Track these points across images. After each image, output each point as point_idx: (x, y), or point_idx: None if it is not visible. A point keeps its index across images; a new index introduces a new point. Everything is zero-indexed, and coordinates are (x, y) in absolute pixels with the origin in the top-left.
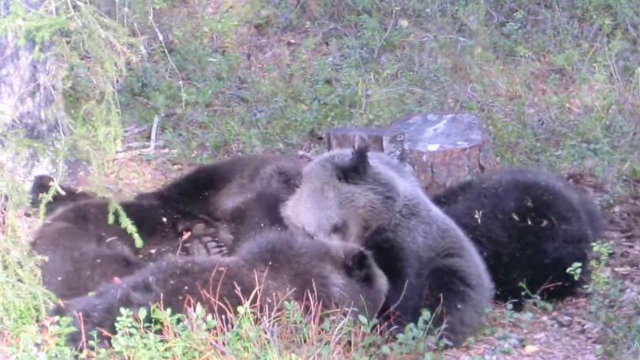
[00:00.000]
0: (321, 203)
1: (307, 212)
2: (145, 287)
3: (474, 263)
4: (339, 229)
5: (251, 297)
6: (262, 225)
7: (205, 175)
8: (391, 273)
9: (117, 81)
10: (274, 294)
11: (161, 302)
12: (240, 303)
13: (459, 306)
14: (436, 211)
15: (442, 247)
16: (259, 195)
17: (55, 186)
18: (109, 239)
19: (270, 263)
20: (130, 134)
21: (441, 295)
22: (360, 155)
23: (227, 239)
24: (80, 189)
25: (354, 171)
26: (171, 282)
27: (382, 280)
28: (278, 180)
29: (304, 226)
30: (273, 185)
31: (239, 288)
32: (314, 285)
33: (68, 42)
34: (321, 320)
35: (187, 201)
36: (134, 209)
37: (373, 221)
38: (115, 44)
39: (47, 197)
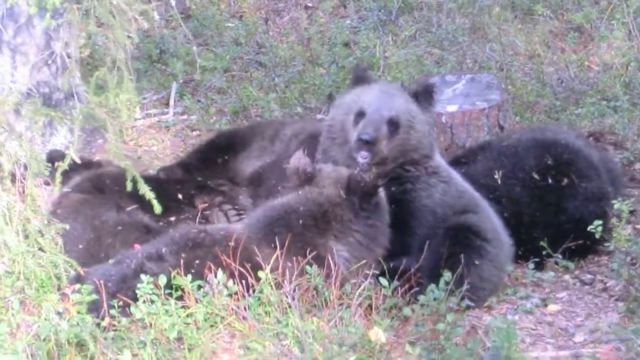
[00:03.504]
0: (388, 98)
1: (373, 97)
2: (159, 257)
3: (489, 219)
4: (392, 125)
5: (271, 263)
6: (280, 188)
7: (225, 140)
8: (401, 227)
9: (132, 48)
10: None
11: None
12: (256, 273)
13: (476, 262)
14: (455, 173)
15: (459, 205)
16: (278, 158)
17: (71, 155)
18: (129, 207)
19: (277, 238)
20: (148, 100)
21: (458, 251)
22: (430, 88)
23: (246, 203)
24: (97, 157)
25: (424, 97)
26: (184, 253)
27: (384, 203)
28: (297, 142)
29: (362, 105)
30: (292, 147)
31: (254, 260)
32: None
33: (80, 10)
34: (342, 284)
35: (207, 166)
36: (152, 180)
37: (411, 153)
38: (126, 11)
39: (62, 166)
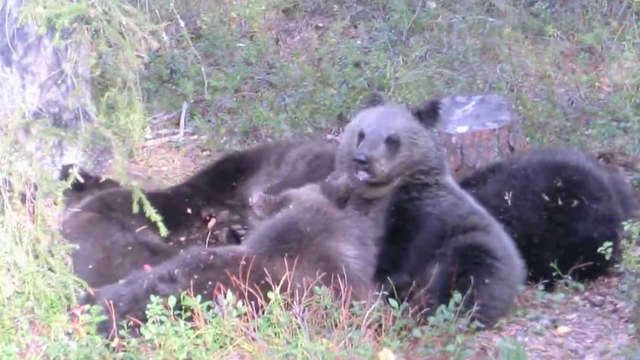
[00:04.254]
0: (390, 117)
1: (372, 118)
2: (170, 278)
3: (500, 238)
4: (392, 143)
5: (281, 283)
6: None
7: (233, 165)
8: (402, 234)
9: (143, 68)
10: (298, 283)
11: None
12: (265, 294)
13: (487, 280)
14: (466, 194)
15: (469, 224)
16: (284, 180)
17: (75, 174)
18: (139, 228)
19: (286, 254)
20: (159, 120)
21: (468, 271)
22: (435, 106)
23: (254, 225)
24: (104, 177)
25: (427, 115)
26: (196, 275)
27: None
28: (304, 163)
29: (363, 128)
30: (298, 168)
31: (263, 281)
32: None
33: (90, 30)
34: (351, 304)
35: (215, 192)
36: (161, 199)
37: (418, 165)
38: (136, 31)
39: (66, 184)
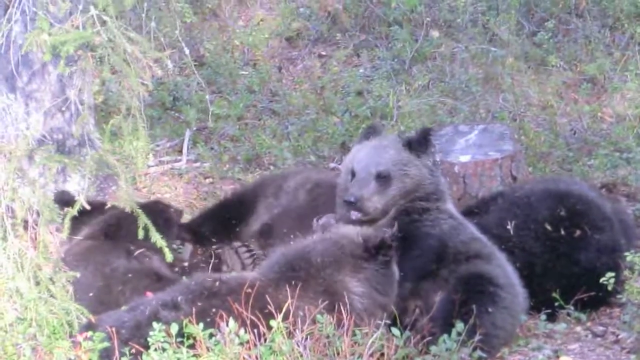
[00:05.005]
0: (379, 152)
1: (363, 155)
2: (174, 305)
3: (502, 267)
4: (382, 178)
5: (283, 312)
6: (291, 237)
7: (232, 209)
8: (400, 255)
9: (147, 95)
10: (301, 312)
11: (188, 320)
12: (269, 321)
13: (489, 309)
14: (467, 222)
15: (471, 251)
16: (285, 209)
17: (81, 201)
18: (138, 251)
19: (292, 282)
20: (162, 148)
21: (471, 299)
22: (426, 134)
23: (258, 250)
24: (109, 204)
25: (418, 144)
26: (199, 302)
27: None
28: (304, 191)
29: (354, 165)
30: (299, 197)
31: (267, 309)
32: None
33: (95, 57)
34: (353, 333)
35: (217, 237)
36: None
37: (413, 193)
38: (141, 59)
39: (72, 211)
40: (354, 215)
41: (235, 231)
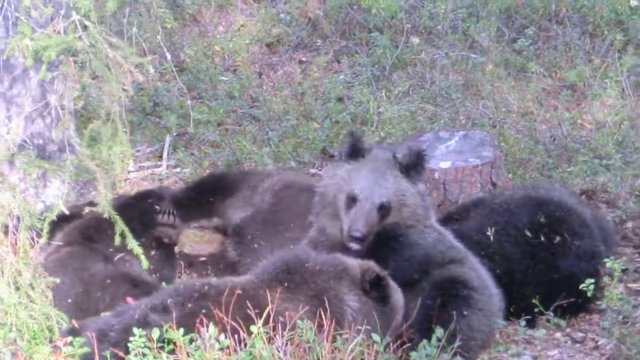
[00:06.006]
0: (380, 181)
1: (364, 180)
2: (163, 309)
3: (475, 269)
4: (383, 209)
5: (263, 317)
6: (257, 246)
7: (214, 183)
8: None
9: (127, 100)
10: (288, 314)
11: (176, 323)
12: (255, 324)
13: (465, 312)
14: (446, 232)
15: (447, 256)
16: (255, 211)
17: (60, 206)
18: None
19: (285, 284)
20: (142, 153)
21: (446, 303)
22: (420, 157)
23: (233, 259)
24: (88, 209)
25: (413, 169)
26: (189, 304)
27: (397, 297)
28: (271, 194)
29: (354, 190)
30: (265, 200)
31: (255, 310)
32: (327, 306)
33: (76, 62)
34: (334, 339)
35: (195, 205)
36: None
37: (406, 220)
38: (122, 64)
39: (50, 216)
40: (354, 247)
41: (210, 203)
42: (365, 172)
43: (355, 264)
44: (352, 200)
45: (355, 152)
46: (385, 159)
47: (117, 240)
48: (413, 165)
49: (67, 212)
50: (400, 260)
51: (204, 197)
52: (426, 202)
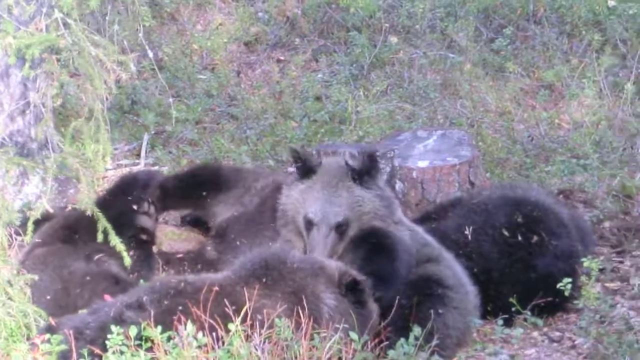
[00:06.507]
0: (332, 198)
1: (316, 201)
2: (139, 306)
3: (450, 267)
4: (340, 227)
5: (241, 314)
6: (239, 244)
7: (209, 176)
8: (385, 254)
9: (107, 99)
10: (266, 311)
11: (153, 321)
12: (233, 321)
13: (440, 310)
14: (417, 227)
15: (424, 255)
16: (244, 211)
17: (44, 204)
18: (97, 256)
19: (263, 280)
20: (120, 151)
21: (421, 302)
22: (372, 160)
23: (212, 257)
24: (69, 207)
25: (367, 175)
26: (165, 302)
27: (373, 306)
28: (262, 195)
29: (308, 213)
30: (254, 201)
31: (232, 307)
32: (305, 303)
33: (58, 60)
34: (311, 337)
35: (184, 196)
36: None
37: (371, 223)
38: (105, 62)
39: (35, 214)
40: None
41: (203, 197)
42: (318, 192)
43: (332, 264)
44: (309, 223)
45: (306, 170)
46: (336, 170)
47: (100, 237)
48: (366, 170)
49: (51, 211)
50: (399, 257)
51: (195, 190)
52: (387, 202)
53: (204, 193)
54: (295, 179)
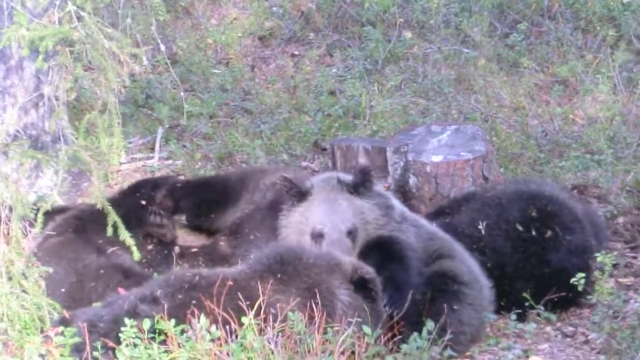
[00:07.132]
0: (336, 208)
1: (321, 214)
2: (153, 299)
3: (465, 262)
4: (351, 234)
5: (254, 308)
6: (254, 238)
7: (216, 194)
8: (396, 262)
9: (121, 92)
10: (279, 305)
11: (167, 314)
12: (246, 315)
13: (455, 306)
14: (421, 218)
15: (432, 250)
16: (256, 208)
17: (54, 196)
18: (110, 249)
19: (278, 275)
20: (134, 145)
21: (436, 298)
22: (365, 173)
23: (226, 252)
24: (81, 200)
25: (362, 187)
26: (179, 295)
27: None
28: (273, 191)
29: (316, 226)
30: (267, 197)
31: (247, 301)
32: (319, 299)
33: (72, 53)
34: (325, 331)
35: (195, 219)
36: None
37: (376, 232)
38: (118, 55)
39: (45, 206)
40: None
41: (212, 218)
42: (319, 208)
43: (347, 260)
44: (319, 236)
45: (300, 195)
46: (331, 187)
47: (110, 231)
48: (361, 183)
49: (62, 204)
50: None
51: (206, 211)
52: (387, 209)
53: (212, 215)
54: (291, 206)
